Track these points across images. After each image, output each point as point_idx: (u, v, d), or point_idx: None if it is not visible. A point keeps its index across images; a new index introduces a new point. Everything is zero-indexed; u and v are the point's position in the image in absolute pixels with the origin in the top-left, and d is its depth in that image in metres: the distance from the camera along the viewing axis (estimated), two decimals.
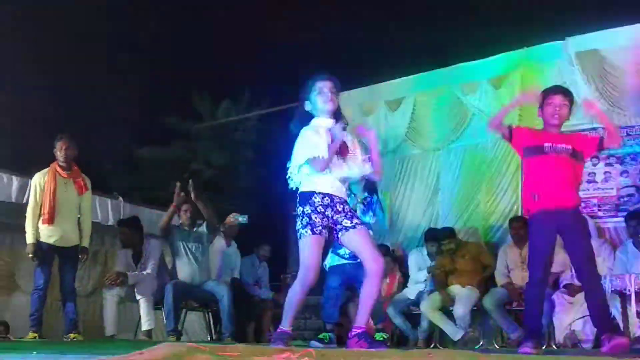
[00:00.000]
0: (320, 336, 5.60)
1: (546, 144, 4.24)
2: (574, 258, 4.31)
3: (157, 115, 12.18)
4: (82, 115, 10.43)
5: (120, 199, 7.62)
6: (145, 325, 6.13)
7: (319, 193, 3.75)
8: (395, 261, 7.16)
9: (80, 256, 5.92)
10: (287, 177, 3.87)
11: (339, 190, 3.81)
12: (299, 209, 3.77)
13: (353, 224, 3.77)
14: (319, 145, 3.70)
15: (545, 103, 4.35)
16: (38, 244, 5.68)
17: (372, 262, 3.74)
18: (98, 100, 11.02)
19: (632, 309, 5.08)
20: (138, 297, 6.18)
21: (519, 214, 7.00)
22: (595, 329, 4.57)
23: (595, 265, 4.26)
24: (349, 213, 3.80)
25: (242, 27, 13.00)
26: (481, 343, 6.33)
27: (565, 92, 4.42)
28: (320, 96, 3.82)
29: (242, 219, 6.27)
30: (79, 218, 5.93)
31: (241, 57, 12.61)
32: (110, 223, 7.33)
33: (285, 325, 3.75)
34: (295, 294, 3.76)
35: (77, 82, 10.88)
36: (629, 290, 4.85)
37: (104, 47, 11.57)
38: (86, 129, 9.23)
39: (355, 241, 3.81)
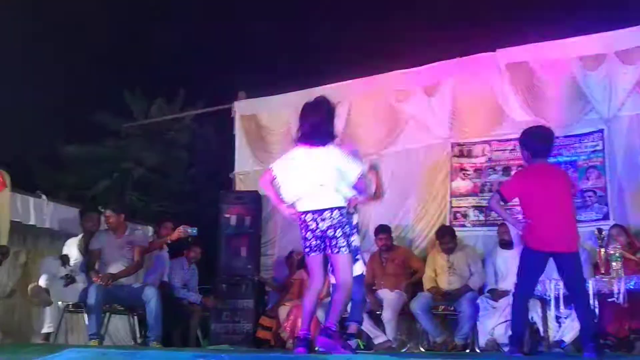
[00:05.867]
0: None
1: None
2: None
3: (86, 112, 11.79)
4: (4, 109, 9.98)
5: (44, 197, 7.31)
6: (45, 328, 5.88)
7: (304, 212, 4.04)
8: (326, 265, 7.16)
9: None
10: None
11: (316, 203, 3.99)
12: None
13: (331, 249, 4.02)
14: None
15: None
16: None
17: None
18: (23, 94, 10.56)
19: (552, 313, 5.24)
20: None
21: (447, 222, 7.14)
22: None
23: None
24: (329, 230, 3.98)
25: (179, 26, 12.79)
26: (407, 346, 6.40)
27: None
28: None
29: (192, 231, 6.09)
30: None
31: (177, 55, 12.40)
32: (31, 222, 7.03)
33: (303, 329, 4.05)
34: (304, 302, 4.18)
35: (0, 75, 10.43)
36: (549, 296, 4.99)
37: (31, 39, 11.13)
38: (8, 124, 8.85)
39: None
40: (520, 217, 4.96)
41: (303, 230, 4.07)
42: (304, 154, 4.08)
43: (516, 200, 4.82)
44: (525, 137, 4.88)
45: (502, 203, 4.75)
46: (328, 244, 4.02)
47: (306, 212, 4.03)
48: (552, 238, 4.52)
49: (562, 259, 4.53)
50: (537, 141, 4.79)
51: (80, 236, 6.39)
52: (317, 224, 3.99)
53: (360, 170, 4.10)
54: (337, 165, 4.02)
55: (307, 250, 4.08)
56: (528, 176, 4.84)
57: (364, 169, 4.18)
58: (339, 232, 3.97)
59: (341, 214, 3.99)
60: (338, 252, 3.99)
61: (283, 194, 4.11)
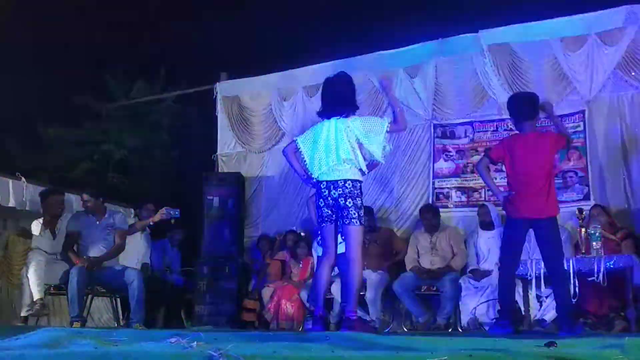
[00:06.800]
0: None
1: None
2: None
3: (66, 93, 11.61)
4: None
5: (23, 179, 7.22)
6: (24, 311, 5.83)
7: (319, 181, 4.18)
8: (309, 246, 7.20)
9: None
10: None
11: (334, 173, 4.11)
12: None
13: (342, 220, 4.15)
14: None
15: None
16: None
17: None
18: (1, 75, 10.37)
19: (533, 292, 5.31)
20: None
21: (430, 201, 7.18)
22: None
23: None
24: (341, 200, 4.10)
25: (159, 5, 12.62)
26: (391, 326, 6.46)
27: None
28: None
29: (174, 213, 6.05)
30: None
31: (158, 35, 12.23)
32: (11, 205, 6.95)
33: (317, 309, 4.19)
34: (316, 276, 4.32)
35: None
36: (530, 275, 5.06)
37: (9, 18, 10.92)
38: None
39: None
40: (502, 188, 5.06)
41: (317, 198, 4.24)
42: (326, 127, 4.22)
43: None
44: (509, 102, 4.96)
45: (489, 166, 4.94)
46: (340, 214, 4.13)
47: (322, 182, 4.20)
48: (531, 205, 4.61)
49: (540, 225, 4.62)
50: (519, 104, 4.85)
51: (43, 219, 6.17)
52: (330, 192, 4.14)
53: (387, 124, 4.15)
54: (359, 136, 4.12)
55: (319, 220, 4.26)
56: (513, 141, 4.88)
57: (390, 119, 4.22)
58: (349, 202, 4.09)
59: (354, 186, 4.11)
60: (349, 223, 4.11)
61: (308, 166, 4.28)
